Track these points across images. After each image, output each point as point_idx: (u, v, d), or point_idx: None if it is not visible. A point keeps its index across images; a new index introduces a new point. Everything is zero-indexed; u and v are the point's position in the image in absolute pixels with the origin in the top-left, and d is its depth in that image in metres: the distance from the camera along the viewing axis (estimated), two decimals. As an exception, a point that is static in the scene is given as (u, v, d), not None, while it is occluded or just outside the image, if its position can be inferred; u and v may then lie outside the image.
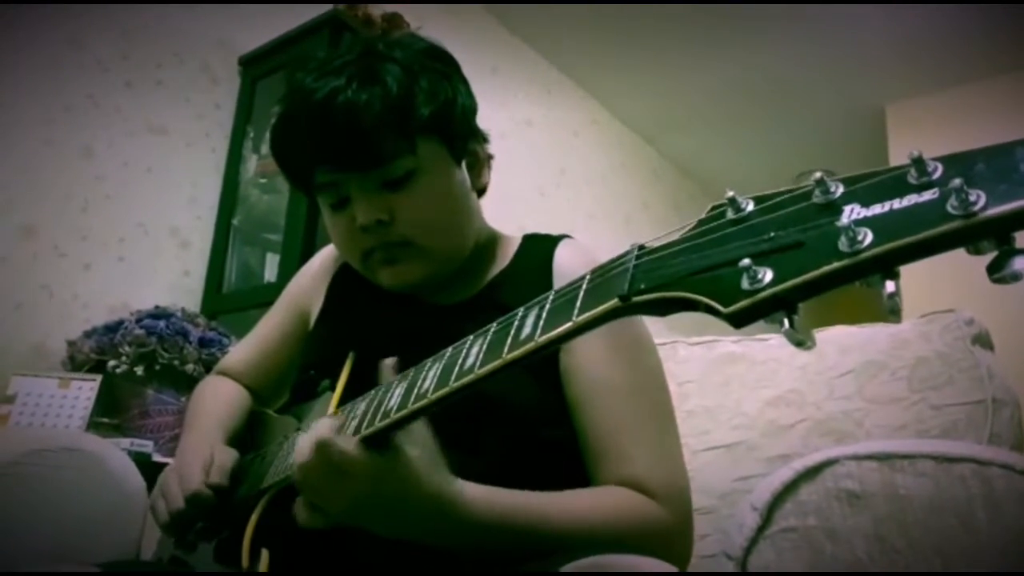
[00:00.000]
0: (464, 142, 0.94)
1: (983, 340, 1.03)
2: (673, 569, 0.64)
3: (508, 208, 3.02)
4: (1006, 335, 1.24)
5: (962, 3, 3.11)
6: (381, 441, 0.63)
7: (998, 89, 3.46)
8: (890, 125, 3.78)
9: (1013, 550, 0.60)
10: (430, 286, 0.94)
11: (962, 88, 3.58)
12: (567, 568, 0.60)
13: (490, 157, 1.01)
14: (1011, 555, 0.60)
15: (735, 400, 1.19)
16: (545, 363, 0.85)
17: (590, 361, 0.85)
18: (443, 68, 0.91)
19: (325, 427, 0.65)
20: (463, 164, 0.94)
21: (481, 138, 0.99)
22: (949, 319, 1.06)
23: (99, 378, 1.69)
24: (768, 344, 1.24)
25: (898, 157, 3.33)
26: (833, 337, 1.17)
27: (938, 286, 3.20)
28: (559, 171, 3.66)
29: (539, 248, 0.96)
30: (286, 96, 0.92)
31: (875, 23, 3.27)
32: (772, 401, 1.15)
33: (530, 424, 0.84)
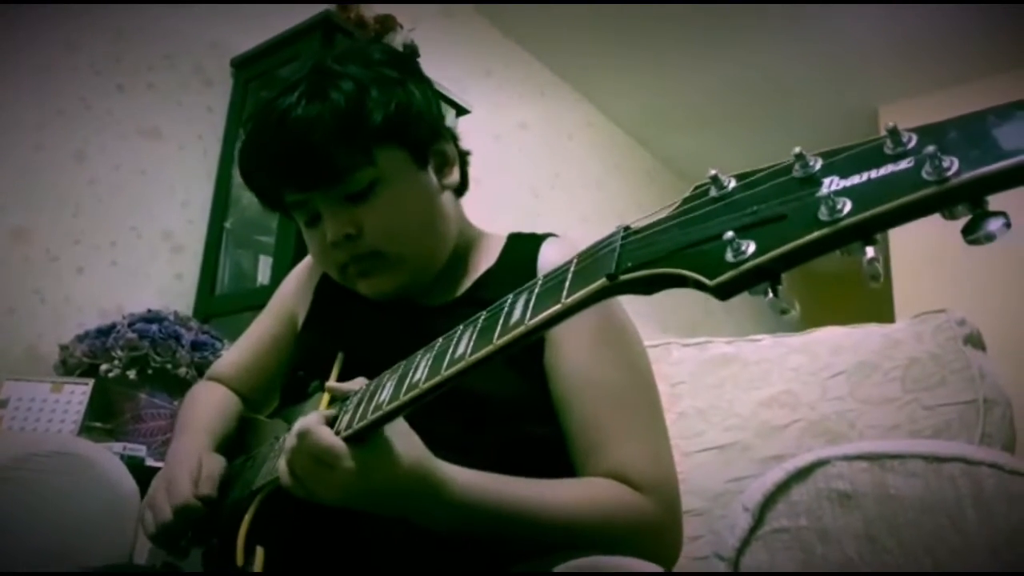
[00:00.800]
0: (426, 145, 0.92)
1: (975, 340, 1.03)
2: (664, 570, 0.64)
3: (502, 211, 3.02)
4: (997, 335, 1.24)
5: (955, 2, 3.12)
6: (365, 433, 0.63)
7: (990, 90, 3.47)
8: (883, 126, 3.79)
9: (1003, 549, 0.60)
10: (413, 290, 0.94)
11: (954, 89, 3.60)
12: (558, 569, 0.61)
13: (463, 154, 0.99)
14: (1001, 554, 0.60)
15: (728, 401, 1.19)
16: (531, 359, 0.86)
17: (575, 356, 0.85)
18: (397, 75, 0.90)
19: (311, 418, 0.66)
20: (430, 166, 0.93)
21: (449, 137, 0.98)
22: (941, 319, 1.06)
23: (91, 382, 1.68)
24: (760, 345, 1.24)
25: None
26: (826, 338, 1.17)
27: (930, 287, 3.21)
28: (553, 174, 3.66)
29: (524, 247, 0.96)
30: (247, 120, 0.92)
31: (868, 25, 3.28)
32: (765, 402, 1.15)
33: (519, 422, 0.84)
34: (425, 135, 0.92)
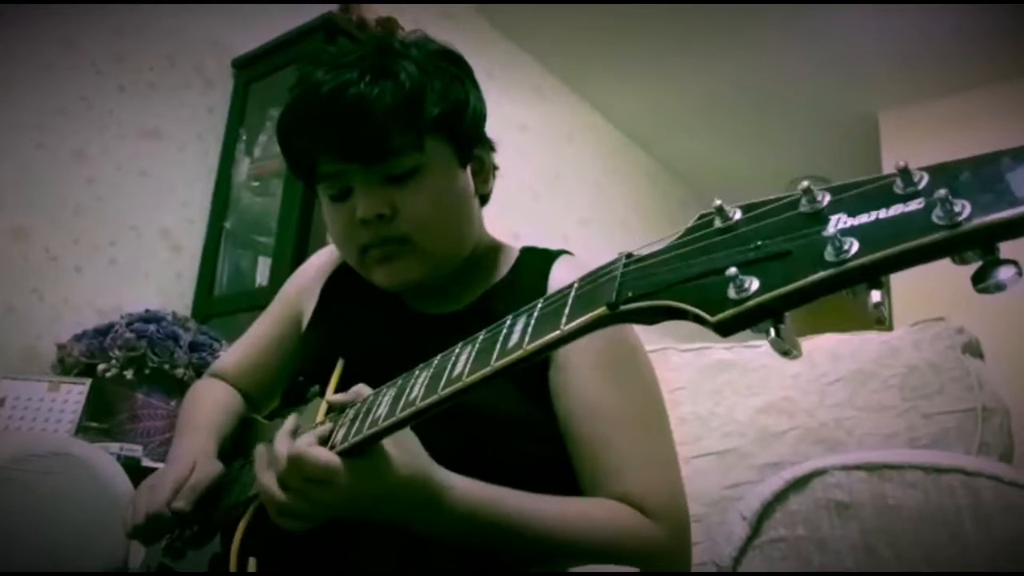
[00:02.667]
0: (471, 146, 0.94)
1: (973, 349, 1.03)
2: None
3: (502, 213, 3.00)
4: (995, 344, 1.24)
5: (957, 3, 3.12)
6: (363, 447, 0.63)
7: (991, 97, 3.47)
8: (883, 132, 3.79)
9: (1001, 561, 0.60)
10: (424, 290, 0.93)
11: (955, 96, 3.59)
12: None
13: (495, 168, 1.00)
14: (999, 566, 0.60)
15: (727, 407, 1.19)
16: (535, 378, 0.85)
17: (582, 378, 0.84)
18: (456, 71, 0.92)
19: (303, 442, 0.65)
20: (468, 169, 0.94)
21: (489, 146, 0.99)
22: (940, 328, 1.06)
23: (89, 382, 1.68)
24: (760, 351, 1.23)
25: (891, 164, 3.31)
26: (824, 345, 1.17)
27: (928, 295, 3.21)
28: (553, 176, 3.66)
29: (536, 263, 0.95)
30: (295, 86, 0.91)
31: (869, 30, 3.28)
32: (764, 408, 1.15)
33: (521, 441, 0.83)
34: (472, 137, 0.94)
